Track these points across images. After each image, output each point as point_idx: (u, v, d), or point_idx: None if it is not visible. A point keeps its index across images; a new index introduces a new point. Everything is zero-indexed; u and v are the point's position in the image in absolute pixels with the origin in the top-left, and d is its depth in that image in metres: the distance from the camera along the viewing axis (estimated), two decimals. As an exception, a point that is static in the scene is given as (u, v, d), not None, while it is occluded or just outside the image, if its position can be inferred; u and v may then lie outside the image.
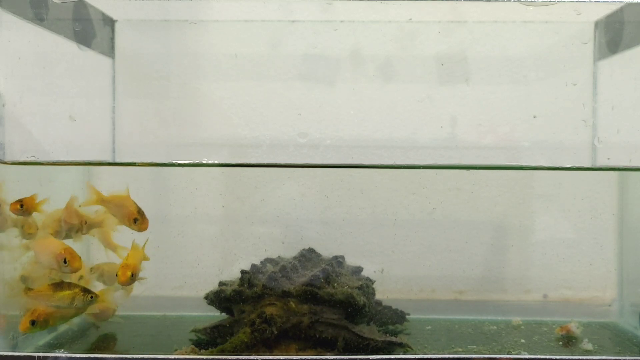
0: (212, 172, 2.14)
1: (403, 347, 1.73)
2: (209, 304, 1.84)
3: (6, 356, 1.65)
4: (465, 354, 1.73)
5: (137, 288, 1.88)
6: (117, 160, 2.16)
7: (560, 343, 1.86)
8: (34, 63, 1.90)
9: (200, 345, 1.75)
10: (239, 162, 2.14)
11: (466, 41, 2.09)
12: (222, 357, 1.65)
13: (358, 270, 1.93)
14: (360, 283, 1.84)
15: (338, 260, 1.88)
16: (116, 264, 1.86)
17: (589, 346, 1.82)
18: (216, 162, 2.05)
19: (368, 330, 1.76)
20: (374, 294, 1.89)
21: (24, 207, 1.74)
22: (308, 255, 1.89)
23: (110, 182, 1.99)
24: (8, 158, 1.75)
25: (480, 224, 2.16)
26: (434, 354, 1.71)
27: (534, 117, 2.08)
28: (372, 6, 2.05)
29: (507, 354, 1.74)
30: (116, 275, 1.70)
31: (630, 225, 2.13)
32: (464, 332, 1.97)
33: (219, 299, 1.80)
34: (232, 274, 1.87)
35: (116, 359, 1.65)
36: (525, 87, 2.12)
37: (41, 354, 1.66)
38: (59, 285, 1.71)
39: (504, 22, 2.07)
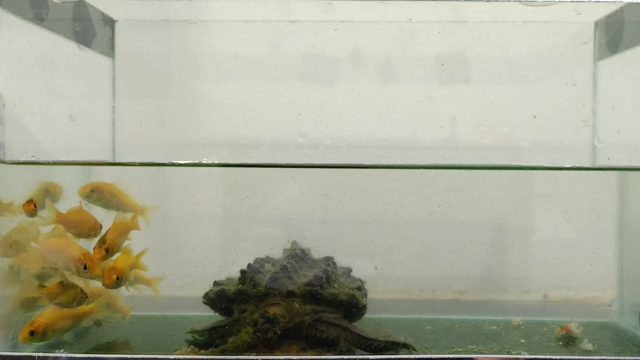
0: (212, 172, 2.14)
1: (406, 347, 1.73)
2: (206, 303, 1.83)
3: (6, 356, 1.65)
4: (465, 354, 1.73)
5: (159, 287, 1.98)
6: (117, 160, 2.16)
7: (560, 343, 1.86)
8: (34, 63, 1.90)
9: (199, 345, 1.74)
10: (239, 162, 2.14)
11: (466, 41, 2.09)
12: (223, 357, 1.64)
13: (348, 271, 1.93)
14: (358, 284, 1.84)
15: (333, 262, 1.88)
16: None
17: (589, 346, 1.82)
18: (216, 162, 2.05)
19: (371, 331, 1.75)
20: (366, 295, 1.89)
21: (37, 207, 1.73)
22: (300, 255, 1.88)
23: (110, 182, 1.98)
24: (8, 158, 1.75)
25: (481, 223, 2.16)
26: (434, 354, 1.71)
27: (534, 117, 2.08)
28: (372, 6, 2.05)
29: (507, 354, 1.74)
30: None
31: (630, 225, 2.13)
32: (464, 332, 1.96)
33: (220, 298, 1.79)
34: (228, 273, 1.86)
35: (116, 359, 1.65)
36: (525, 87, 2.11)
37: (41, 354, 1.66)
38: (64, 285, 1.70)
39: (504, 22, 2.07)
